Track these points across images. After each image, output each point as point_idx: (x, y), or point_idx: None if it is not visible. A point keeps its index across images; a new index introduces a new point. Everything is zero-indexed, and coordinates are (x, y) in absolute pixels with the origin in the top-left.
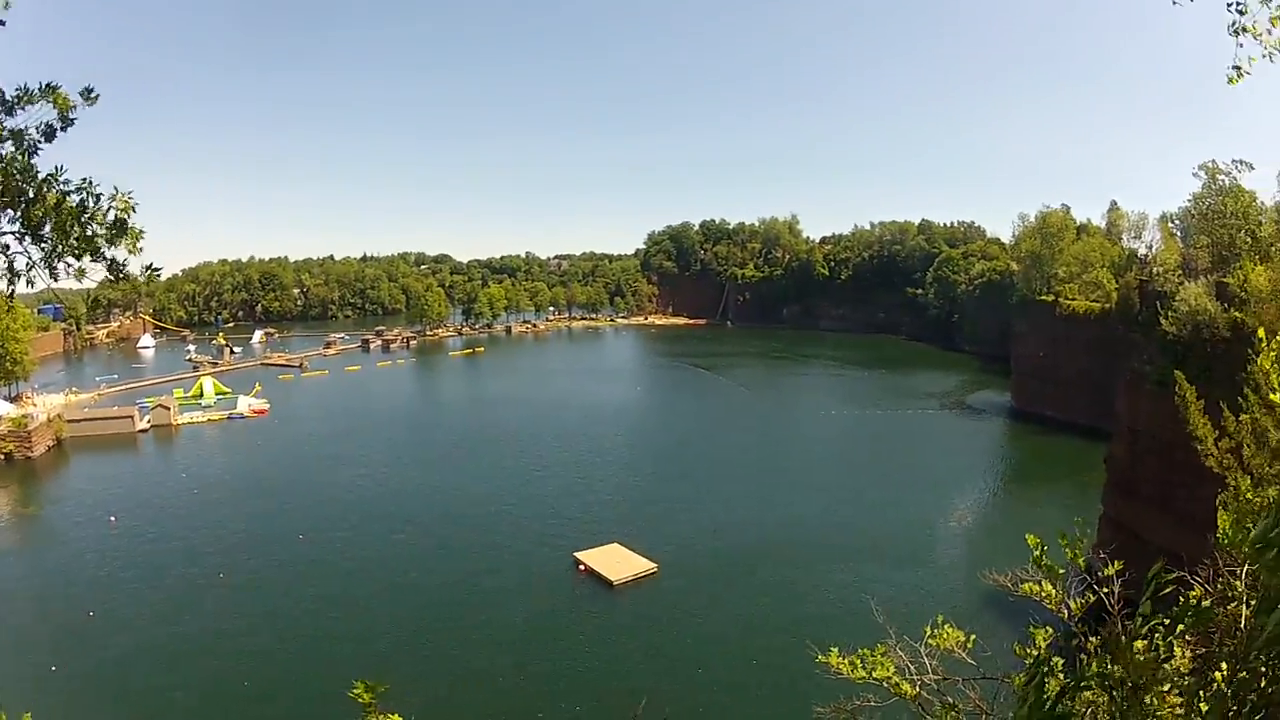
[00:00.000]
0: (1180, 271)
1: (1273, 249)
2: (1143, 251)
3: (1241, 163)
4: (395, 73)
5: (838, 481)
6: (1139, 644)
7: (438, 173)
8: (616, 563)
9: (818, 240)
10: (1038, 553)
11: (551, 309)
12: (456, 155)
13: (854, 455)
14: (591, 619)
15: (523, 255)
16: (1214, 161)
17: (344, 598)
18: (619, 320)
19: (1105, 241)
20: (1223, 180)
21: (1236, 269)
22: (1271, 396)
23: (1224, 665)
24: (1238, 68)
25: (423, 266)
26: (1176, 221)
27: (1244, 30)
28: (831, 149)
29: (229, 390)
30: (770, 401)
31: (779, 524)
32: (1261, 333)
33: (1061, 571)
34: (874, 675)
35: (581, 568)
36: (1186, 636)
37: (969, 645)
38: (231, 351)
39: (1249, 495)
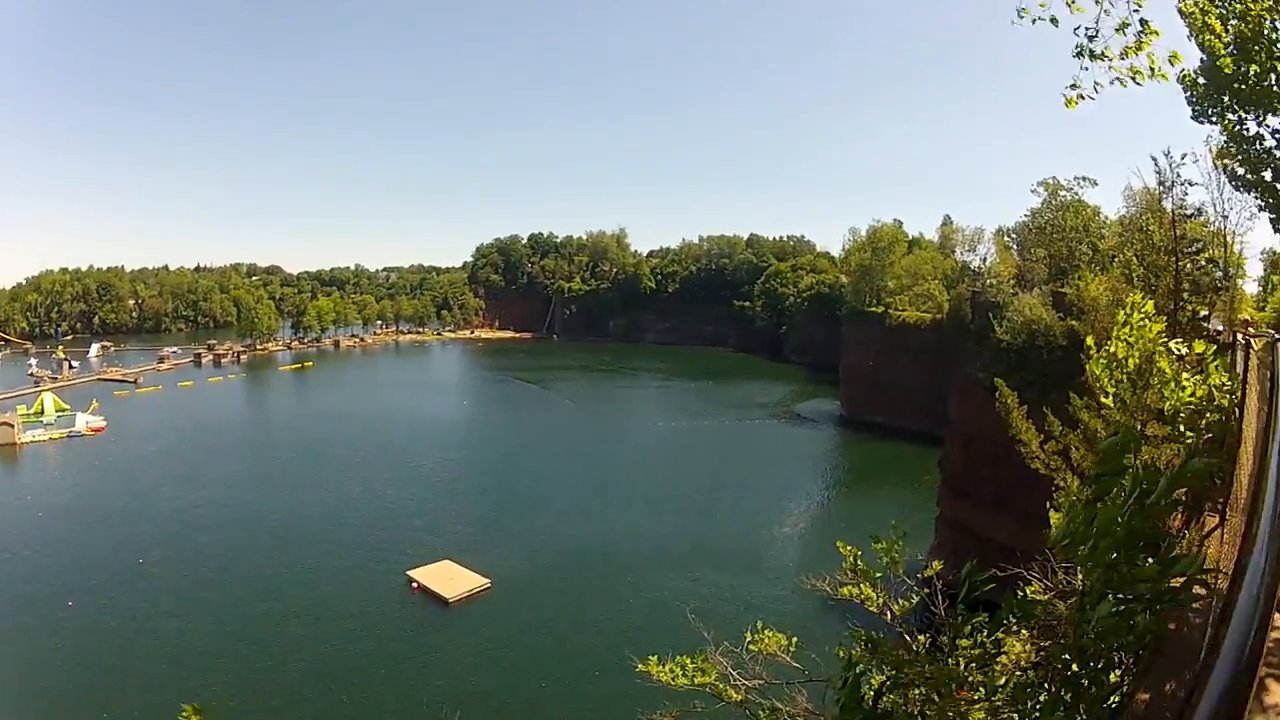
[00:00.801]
0: (1014, 283)
1: (1115, 260)
2: (976, 264)
3: (1085, 179)
4: (217, 70)
5: (667, 492)
6: (963, 642)
7: (269, 178)
8: (450, 579)
9: (645, 254)
10: (851, 559)
11: (379, 322)
12: (287, 158)
13: (683, 465)
14: (427, 637)
15: (352, 267)
16: (1054, 178)
17: (179, 621)
18: (446, 334)
19: (938, 254)
20: (1064, 196)
21: (1075, 279)
22: (1104, 400)
23: (1065, 657)
24: (1076, 87)
25: (254, 278)
26: (1013, 235)
27: (1093, 55)
28: (661, 162)
29: (68, 407)
30: (598, 414)
31: (610, 535)
32: (1090, 340)
33: (879, 575)
34: (696, 681)
35: (415, 585)
36: (1024, 631)
37: (792, 649)
38: (70, 366)
39: (1078, 494)
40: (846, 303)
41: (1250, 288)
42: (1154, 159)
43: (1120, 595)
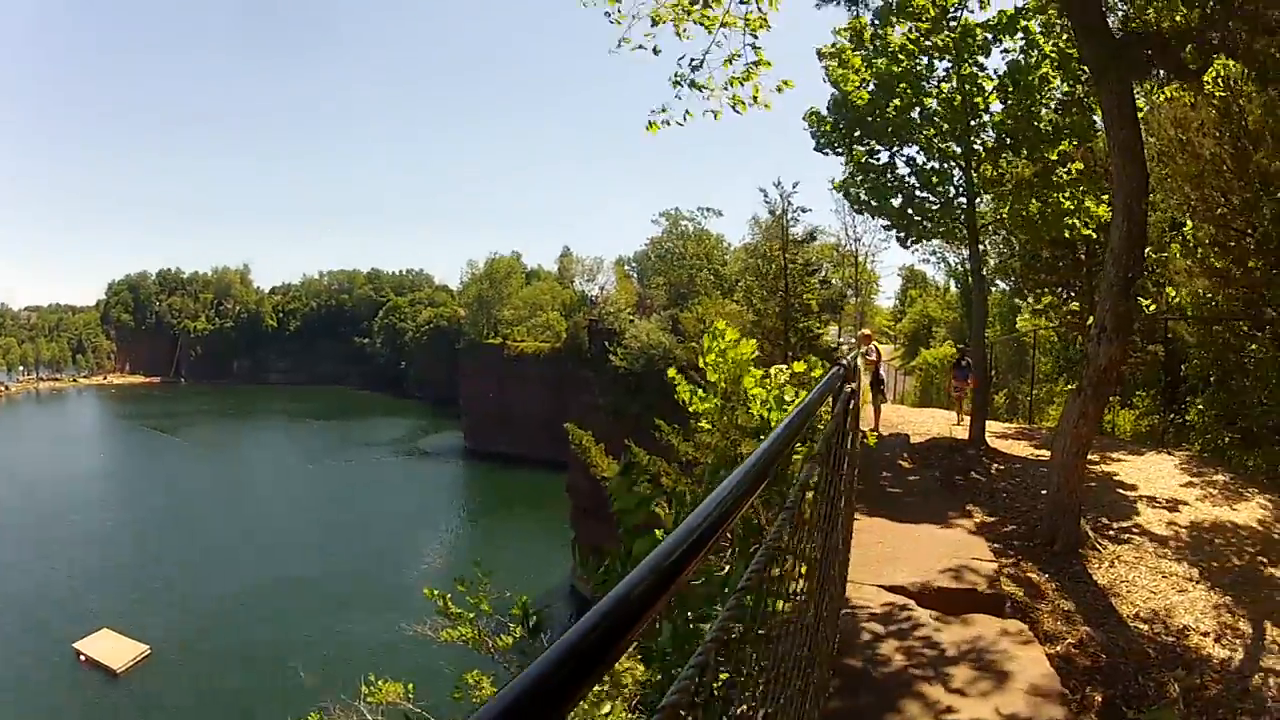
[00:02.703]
0: (633, 310)
1: (738, 285)
2: (595, 293)
3: (709, 209)
4: None
5: (306, 537)
6: None
7: None
8: (113, 649)
9: (268, 291)
10: (441, 603)
11: (21, 368)
12: None
13: (318, 508)
14: (98, 712)
15: None
16: (677, 209)
17: None
18: (82, 380)
19: (557, 285)
20: (685, 225)
21: (694, 305)
22: (696, 424)
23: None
24: (665, 112)
25: None
26: (633, 264)
27: (693, 85)
28: (285, 194)
29: None
30: (232, 461)
31: (260, 586)
32: (672, 373)
33: (471, 616)
34: None
35: (83, 658)
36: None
37: (410, 695)
38: None
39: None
40: (465, 335)
41: (886, 302)
42: (762, 190)
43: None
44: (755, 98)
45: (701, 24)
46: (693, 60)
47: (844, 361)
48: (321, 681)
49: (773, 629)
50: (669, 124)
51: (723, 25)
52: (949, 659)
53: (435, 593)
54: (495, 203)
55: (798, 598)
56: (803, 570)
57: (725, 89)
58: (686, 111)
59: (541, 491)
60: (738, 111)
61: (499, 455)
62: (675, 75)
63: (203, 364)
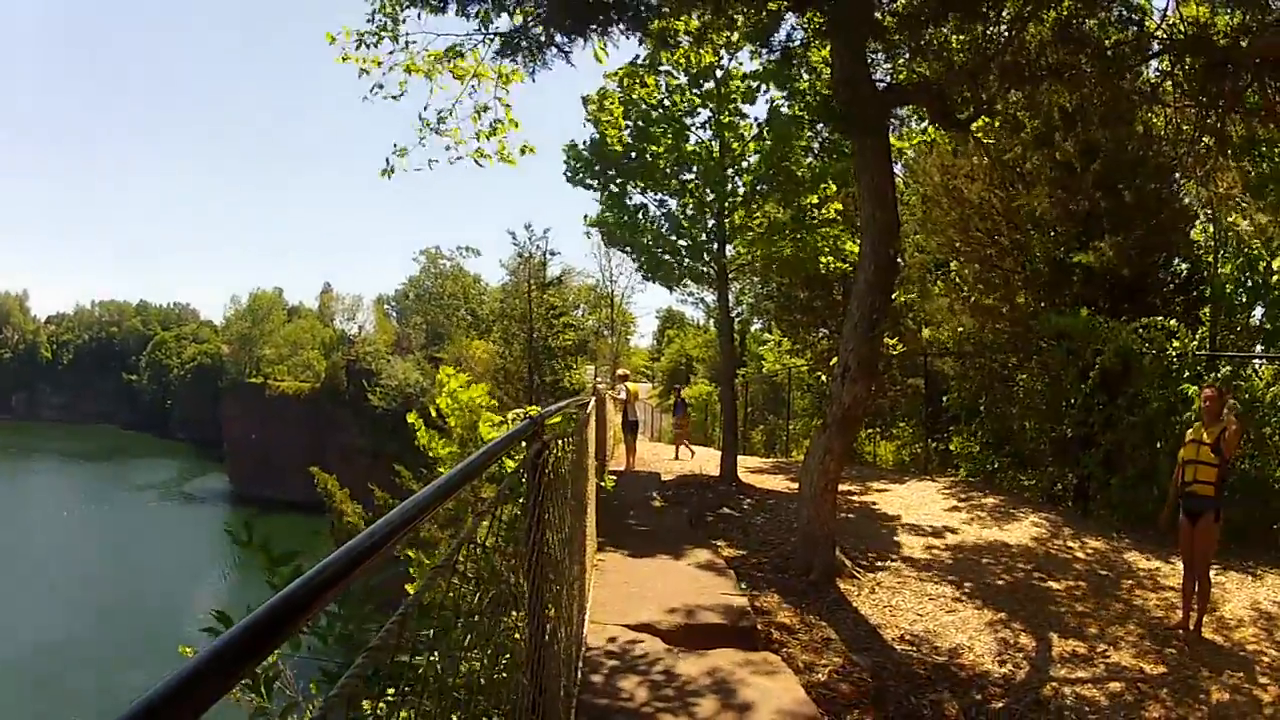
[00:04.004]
0: (391, 349)
1: (495, 324)
2: (354, 331)
3: (468, 249)
4: None
5: (76, 585)
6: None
7: None
8: None
9: (44, 320)
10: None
11: None
12: None
13: (82, 559)
14: None
15: None
16: (437, 248)
17: None
18: None
19: (318, 323)
20: (444, 264)
21: (449, 344)
22: (440, 469)
23: None
24: (403, 155)
25: None
26: (393, 303)
27: (437, 133)
28: (65, 210)
29: None
30: (4, 501)
31: (27, 644)
32: (412, 417)
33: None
34: None
35: None
36: None
37: None
38: None
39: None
40: (228, 373)
41: (644, 342)
42: (511, 233)
43: None
44: (502, 154)
45: (454, 75)
46: (440, 112)
47: (538, 414)
48: None
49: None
50: (407, 171)
51: (475, 76)
52: (695, 692)
53: (190, 650)
54: (259, 235)
55: (501, 635)
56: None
57: (472, 140)
58: (431, 161)
59: (304, 535)
60: (481, 165)
61: (262, 498)
62: (421, 122)
63: None
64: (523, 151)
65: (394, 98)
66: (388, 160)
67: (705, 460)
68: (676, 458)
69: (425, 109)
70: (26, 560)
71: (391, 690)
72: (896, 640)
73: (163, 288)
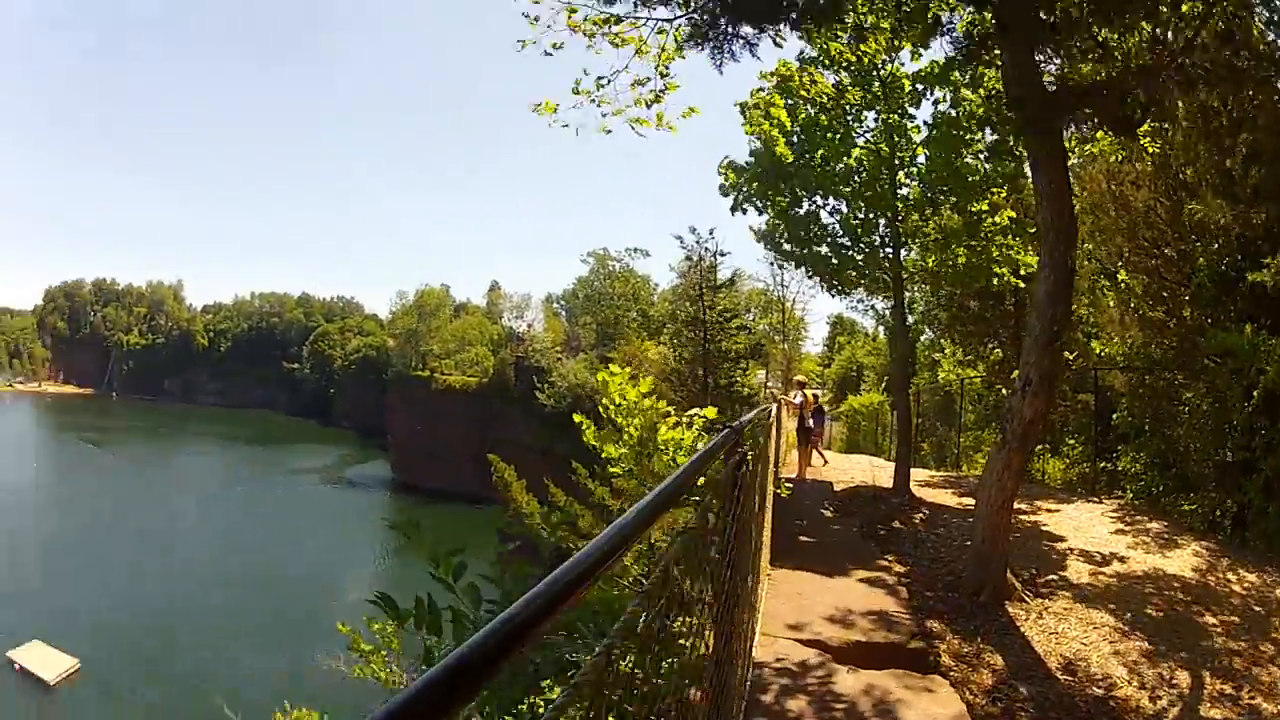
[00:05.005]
0: (561, 348)
1: (665, 328)
2: (523, 329)
3: (637, 250)
4: None
5: (234, 561)
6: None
7: None
8: (44, 660)
9: (200, 309)
10: (353, 639)
11: None
12: None
13: (247, 532)
14: None
15: None
16: (605, 249)
17: None
18: (17, 386)
19: (485, 319)
20: (613, 265)
21: (621, 344)
22: (611, 469)
23: None
24: (554, 112)
25: None
26: (561, 302)
27: (594, 101)
28: (217, 210)
29: None
30: (165, 481)
31: (187, 609)
32: (578, 418)
33: (382, 654)
34: None
35: (17, 668)
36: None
37: None
38: None
39: None
40: (393, 366)
41: (815, 349)
42: (679, 237)
43: None
44: (660, 119)
45: (614, 43)
46: (600, 78)
47: (737, 424)
48: (239, 705)
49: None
50: (552, 126)
51: (637, 53)
52: (862, 715)
53: (347, 628)
54: (425, 234)
55: (690, 652)
56: (699, 623)
57: (630, 107)
58: (575, 128)
59: (469, 525)
60: (638, 133)
61: (425, 488)
62: (577, 86)
63: (135, 379)
64: (685, 115)
65: (546, 53)
66: (536, 107)
67: (846, 469)
68: (811, 464)
69: (584, 74)
70: (187, 538)
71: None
72: (1059, 669)
73: (320, 282)
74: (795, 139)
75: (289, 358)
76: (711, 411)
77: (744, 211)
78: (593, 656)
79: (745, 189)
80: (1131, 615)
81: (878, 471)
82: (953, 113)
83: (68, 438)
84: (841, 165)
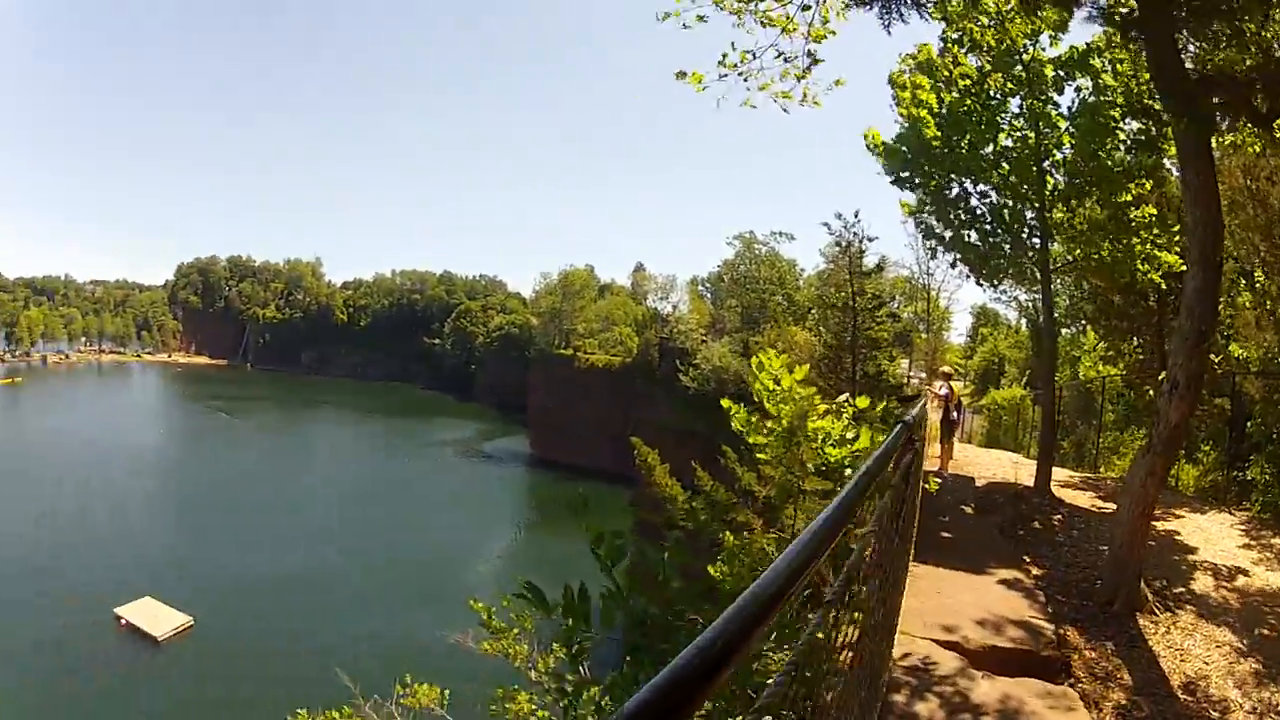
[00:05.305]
0: (706, 330)
1: (810, 313)
2: (668, 311)
3: (782, 234)
4: None
5: (360, 529)
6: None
7: None
8: (155, 617)
9: (339, 285)
10: (485, 616)
11: (84, 339)
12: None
13: (376, 502)
14: (139, 679)
15: (62, 277)
16: (751, 232)
17: None
18: (146, 355)
19: (630, 300)
20: (759, 249)
21: (767, 329)
22: (758, 455)
23: None
24: (700, 80)
25: None
26: (706, 285)
27: (740, 75)
28: (360, 192)
29: None
30: (294, 447)
31: (307, 572)
32: (726, 402)
33: (514, 632)
34: None
35: (123, 623)
36: None
37: (445, 702)
38: None
39: (732, 546)
40: (536, 344)
41: (958, 338)
42: (826, 224)
43: None
44: (805, 95)
45: (761, 22)
46: (747, 50)
47: (908, 419)
48: (357, 675)
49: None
50: (701, 91)
51: (783, 31)
52: None
53: (479, 605)
54: (566, 216)
55: (848, 654)
56: (855, 623)
57: (777, 81)
58: (719, 99)
59: (604, 503)
60: (783, 109)
61: (563, 464)
62: (724, 59)
63: (270, 351)
64: (833, 86)
65: (685, 26)
66: (681, 75)
67: (987, 464)
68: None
69: (732, 48)
70: (315, 504)
71: None
72: (1180, 689)
73: (460, 260)
74: (942, 121)
75: (429, 334)
76: (863, 401)
77: (904, 187)
78: (781, 673)
79: (895, 166)
80: (1251, 636)
81: (1019, 469)
82: (1094, 101)
83: (196, 404)
84: (988, 150)
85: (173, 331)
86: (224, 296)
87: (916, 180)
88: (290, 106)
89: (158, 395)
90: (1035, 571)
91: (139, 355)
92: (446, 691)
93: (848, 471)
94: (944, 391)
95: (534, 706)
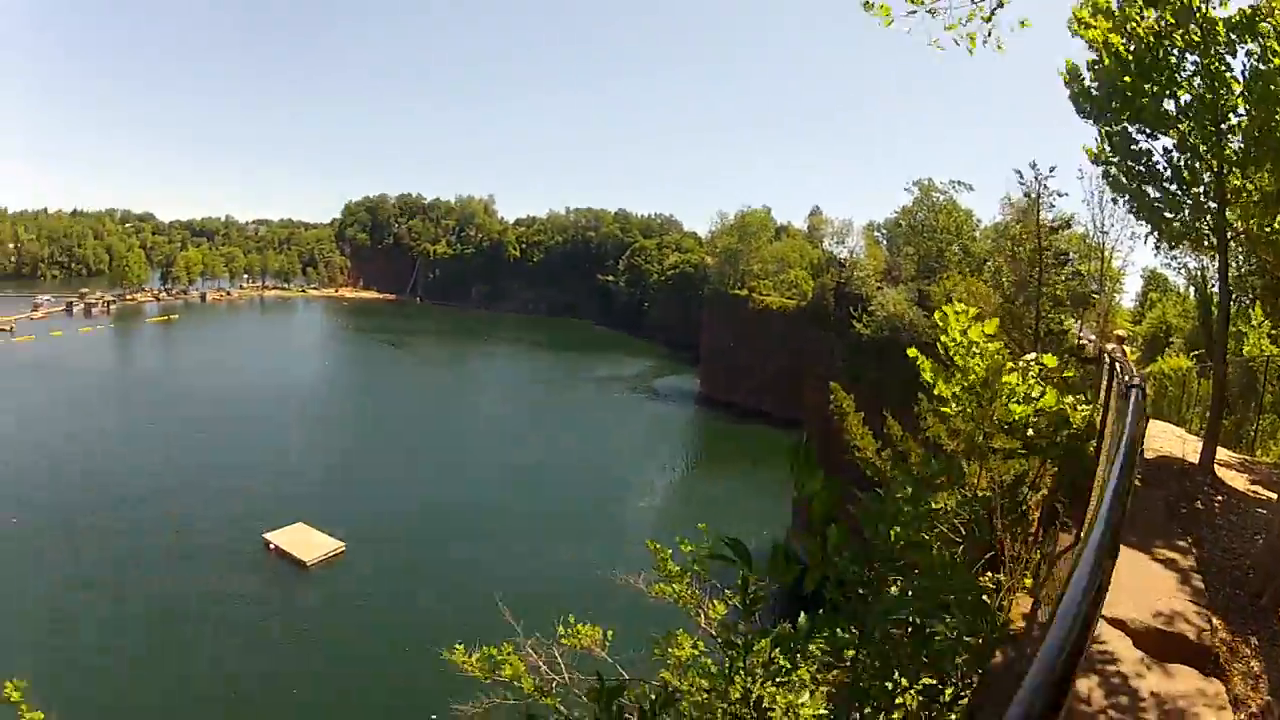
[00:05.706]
0: (881, 277)
1: (986, 265)
2: (844, 256)
3: (960, 183)
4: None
5: (521, 463)
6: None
7: (148, 120)
8: (305, 542)
9: (512, 222)
10: (661, 558)
11: (245, 276)
12: (161, 98)
13: (539, 436)
14: (285, 602)
15: (222, 218)
16: (929, 179)
17: (33, 585)
18: (311, 291)
19: (806, 244)
20: (937, 197)
21: (943, 278)
22: (943, 408)
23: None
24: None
25: (126, 225)
26: (883, 231)
27: (930, 12)
28: (533, 134)
29: None
30: (458, 380)
31: (464, 503)
32: (912, 352)
33: (687, 576)
34: (500, 674)
35: (272, 548)
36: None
37: (608, 643)
38: None
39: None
40: (710, 284)
41: (1127, 302)
42: (1018, 172)
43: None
44: (990, 35)
45: None
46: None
47: (1139, 382)
48: (513, 611)
49: None
50: (888, 24)
51: None
52: (1145, 710)
53: (657, 546)
54: (742, 157)
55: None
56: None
57: (965, 24)
58: (907, 30)
59: (770, 446)
60: (968, 50)
61: (731, 405)
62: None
63: (439, 286)
64: (1022, 25)
65: None
66: (868, 5)
67: (1154, 434)
68: None
69: None
70: (480, 436)
71: None
72: None
73: (632, 199)
74: (1127, 67)
75: (603, 271)
76: (1051, 360)
77: (1091, 119)
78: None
79: (1086, 98)
80: None
81: (1185, 444)
82: (1262, 67)
83: (363, 338)
84: (1170, 104)
85: (340, 267)
86: (392, 233)
87: (1108, 113)
88: (462, 49)
89: (321, 329)
90: (1196, 553)
91: (304, 290)
92: (610, 632)
93: (1030, 432)
94: (1120, 356)
95: (695, 653)
